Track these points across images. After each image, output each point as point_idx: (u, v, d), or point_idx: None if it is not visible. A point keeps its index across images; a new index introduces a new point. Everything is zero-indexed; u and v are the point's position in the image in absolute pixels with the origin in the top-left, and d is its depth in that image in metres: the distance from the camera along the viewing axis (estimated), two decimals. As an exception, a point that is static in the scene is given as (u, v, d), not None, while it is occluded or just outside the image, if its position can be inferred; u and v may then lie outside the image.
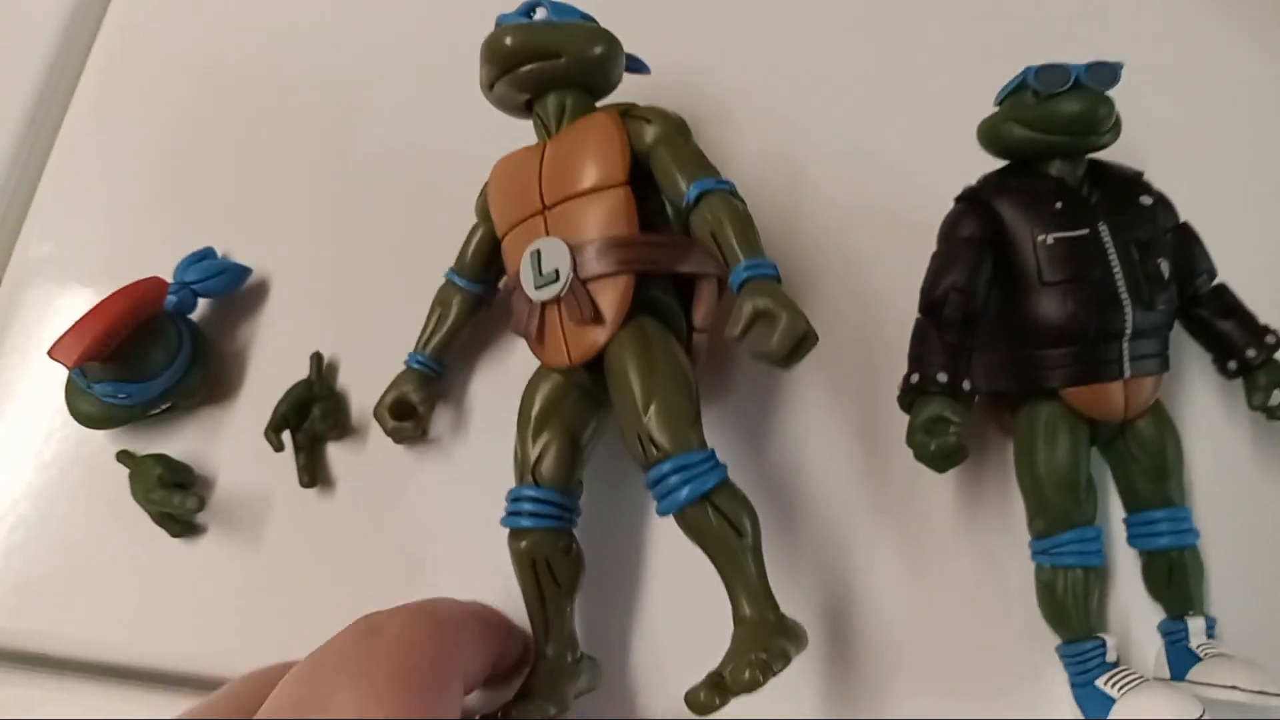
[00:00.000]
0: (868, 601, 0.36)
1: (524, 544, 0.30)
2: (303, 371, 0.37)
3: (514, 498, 0.31)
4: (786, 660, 0.25)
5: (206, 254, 0.38)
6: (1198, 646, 0.34)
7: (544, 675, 0.30)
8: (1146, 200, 0.36)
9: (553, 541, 0.31)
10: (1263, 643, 0.37)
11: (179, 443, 0.37)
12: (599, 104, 0.35)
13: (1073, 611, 0.34)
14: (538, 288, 0.31)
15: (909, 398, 0.34)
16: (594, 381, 0.32)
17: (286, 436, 0.35)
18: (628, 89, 0.38)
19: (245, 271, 0.38)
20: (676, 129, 0.32)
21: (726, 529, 0.27)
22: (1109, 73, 0.34)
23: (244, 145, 0.42)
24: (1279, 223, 0.43)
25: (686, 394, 0.29)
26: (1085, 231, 0.34)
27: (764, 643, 0.25)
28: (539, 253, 0.31)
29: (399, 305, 0.37)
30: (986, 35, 0.45)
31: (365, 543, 0.35)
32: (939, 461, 0.33)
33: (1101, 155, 0.36)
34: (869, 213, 0.41)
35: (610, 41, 0.34)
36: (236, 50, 0.45)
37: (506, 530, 0.31)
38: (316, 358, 0.37)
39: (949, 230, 0.36)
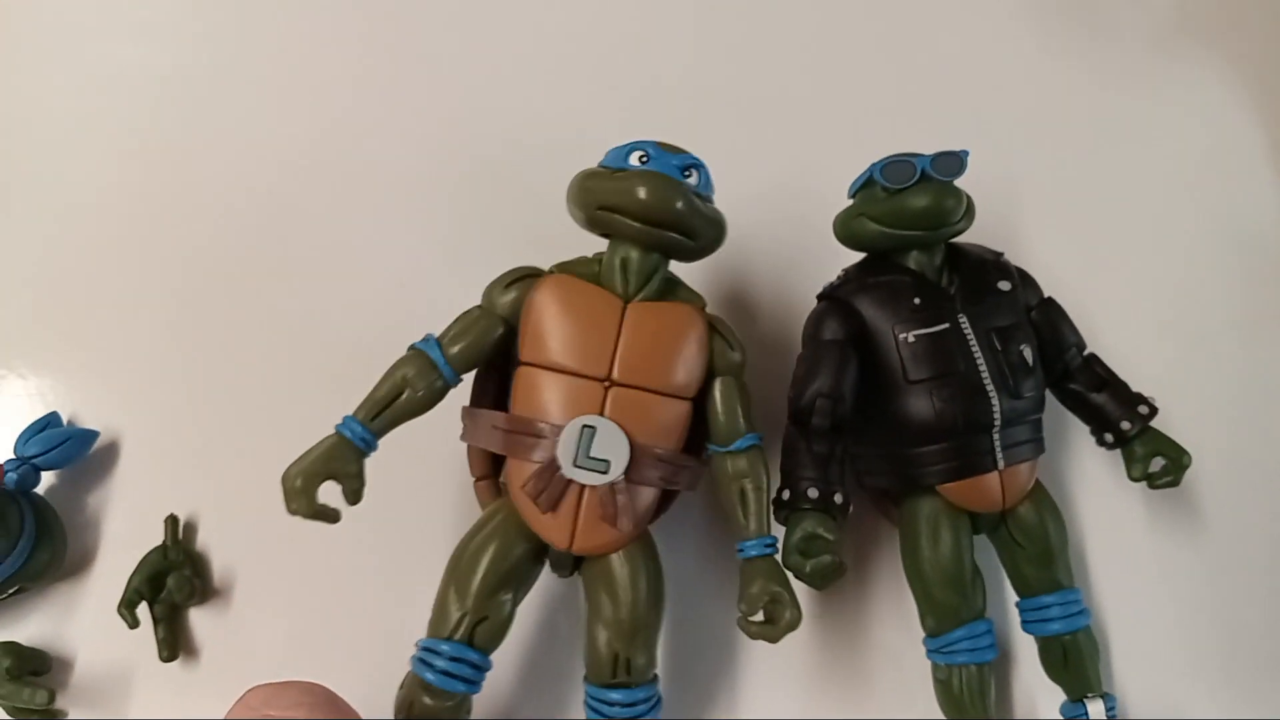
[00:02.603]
0: (766, 710, 0.36)
1: (426, 700, 0.29)
2: (159, 535, 0.35)
3: (430, 649, 0.29)
4: None
5: (50, 420, 0.36)
6: (1099, 728, 0.34)
7: None
8: (1005, 285, 0.35)
9: (458, 704, 0.30)
10: (1166, 709, 0.37)
11: (30, 626, 0.35)
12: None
13: (969, 707, 0.34)
14: (578, 465, 0.30)
15: (782, 514, 0.33)
16: (569, 561, 0.32)
17: (145, 610, 0.34)
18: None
19: (92, 436, 0.37)
20: (744, 364, 0.33)
21: None
22: (955, 163, 0.34)
23: (91, 305, 0.40)
24: (1157, 281, 0.44)
25: (661, 624, 0.32)
26: (945, 326, 0.34)
27: None
28: (593, 431, 0.30)
29: (260, 456, 0.35)
30: (829, 117, 0.45)
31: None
32: (816, 581, 0.32)
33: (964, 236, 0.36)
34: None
35: (726, 236, 0.34)
36: (85, 198, 0.43)
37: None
38: (171, 521, 0.35)
39: (812, 332, 0.35)
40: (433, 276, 0.39)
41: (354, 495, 0.30)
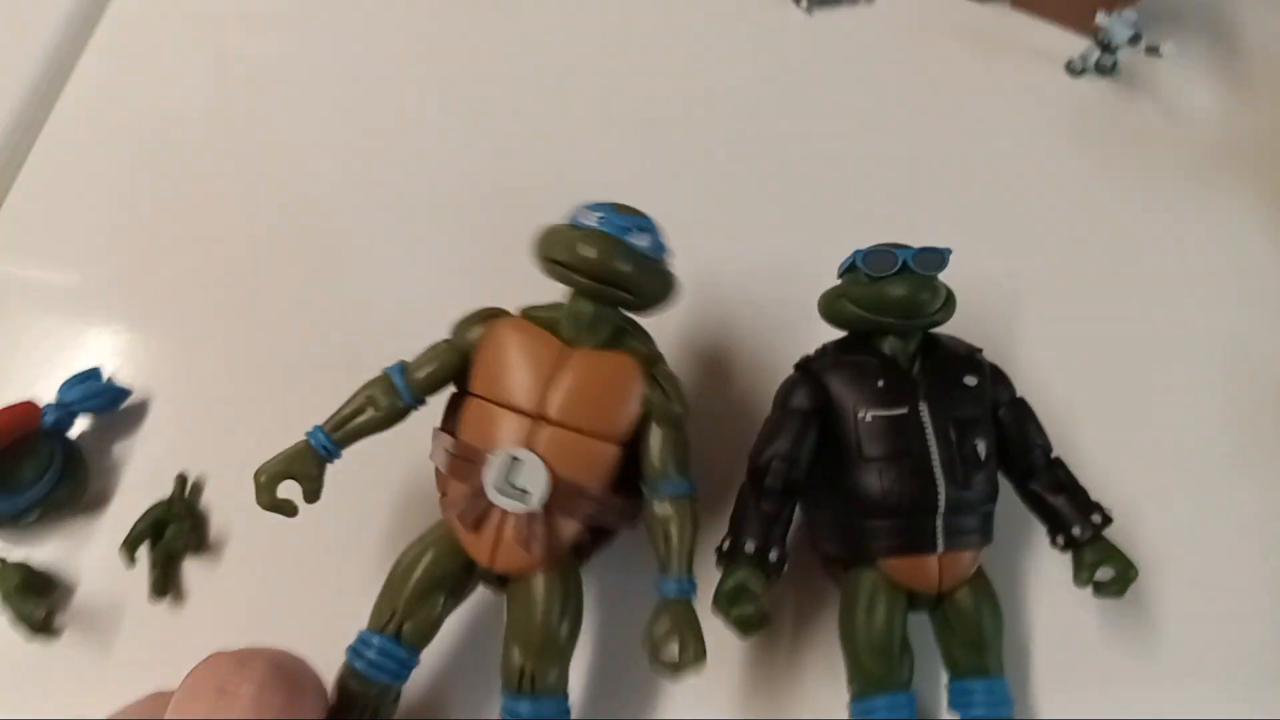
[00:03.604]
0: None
1: (354, 686, 0.32)
2: (169, 489, 0.39)
3: (364, 641, 0.33)
4: None
5: (91, 374, 0.40)
6: (1004, 823, 0.35)
7: None
8: (971, 381, 0.37)
9: (383, 692, 0.33)
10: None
11: (47, 549, 0.39)
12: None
13: (878, 776, 0.35)
14: (500, 492, 0.32)
15: (721, 562, 0.36)
16: (497, 581, 0.34)
17: (143, 552, 0.38)
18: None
19: (125, 393, 0.41)
20: (684, 415, 0.35)
21: None
22: (936, 259, 0.36)
23: (143, 278, 0.45)
24: (1147, 399, 0.45)
25: (574, 645, 0.34)
26: (904, 410, 0.36)
27: None
28: (518, 462, 0.32)
29: (269, 433, 0.38)
30: (858, 192, 0.47)
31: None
32: (739, 628, 0.34)
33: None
34: (722, 377, 0.43)
35: (677, 293, 0.36)
36: (144, 182, 0.48)
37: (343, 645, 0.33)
38: (180, 478, 0.39)
39: (782, 399, 0.37)
40: (455, 294, 0.42)
41: (311, 495, 0.34)
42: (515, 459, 0.32)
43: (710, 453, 0.40)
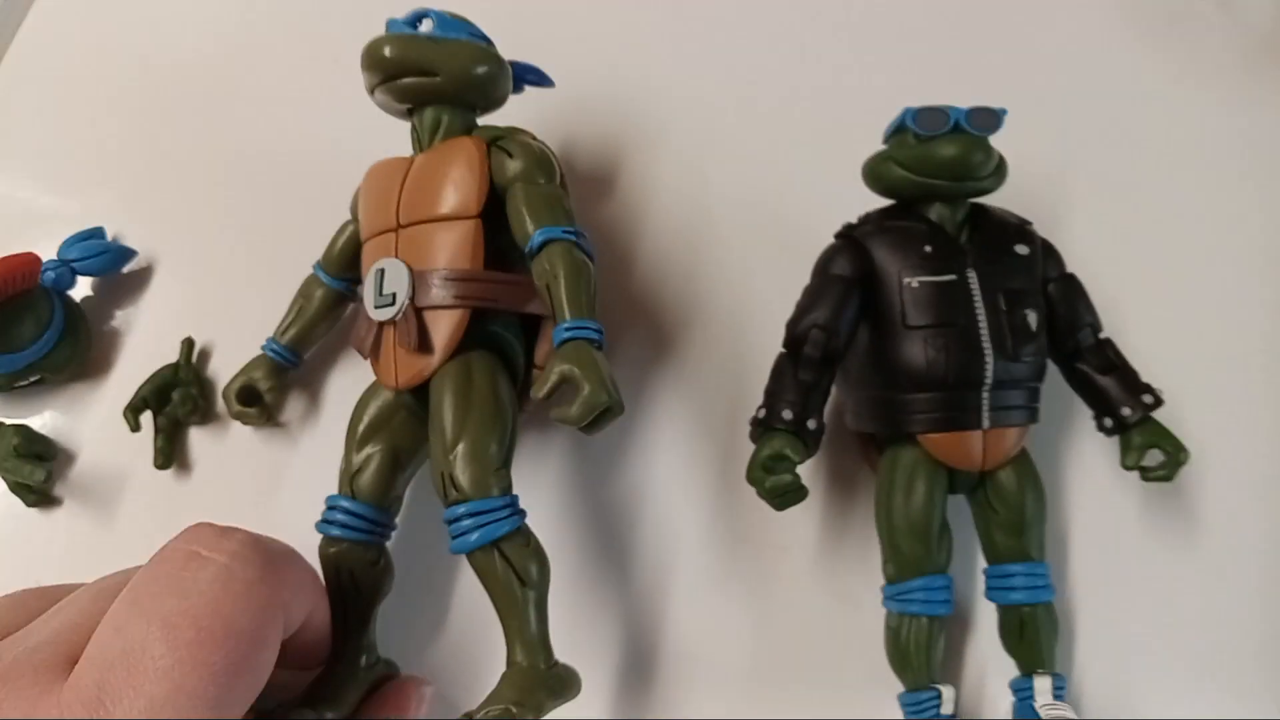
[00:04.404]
0: (718, 630, 0.36)
1: (331, 551, 0.31)
2: (175, 355, 0.37)
3: (329, 505, 0.32)
4: (540, 713, 0.26)
5: (94, 234, 0.38)
6: (1041, 706, 0.34)
7: (332, 681, 0.30)
8: (1022, 250, 0.35)
9: (361, 553, 0.31)
10: (1123, 704, 0.37)
11: (46, 414, 0.37)
12: (483, 120, 0.35)
13: (914, 659, 0.34)
14: (376, 307, 0.31)
15: (755, 432, 0.34)
16: (421, 405, 0.32)
17: (147, 418, 0.36)
18: (544, 104, 0.38)
19: (129, 254, 0.39)
20: (538, 165, 0.32)
21: (511, 577, 0.28)
22: (991, 118, 0.34)
23: (150, 133, 0.43)
24: (1196, 288, 0.43)
25: (497, 437, 0.29)
26: (952, 277, 0.34)
27: (522, 693, 0.26)
28: (382, 272, 0.31)
29: (276, 298, 0.38)
30: (898, 74, 0.45)
31: (215, 526, 0.35)
32: (775, 499, 0.32)
33: (993, 199, 0.36)
34: (767, 244, 0.41)
35: (494, 61, 0.34)
36: (148, 43, 0.46)
37: None
38: (186, 343, 0.38)
39: (821, 266, 0.36)
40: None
41: (270, 398, 0.36)
42: (380, 270, 0.31)
43: (753, 333, 0.39)
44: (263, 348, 0.37)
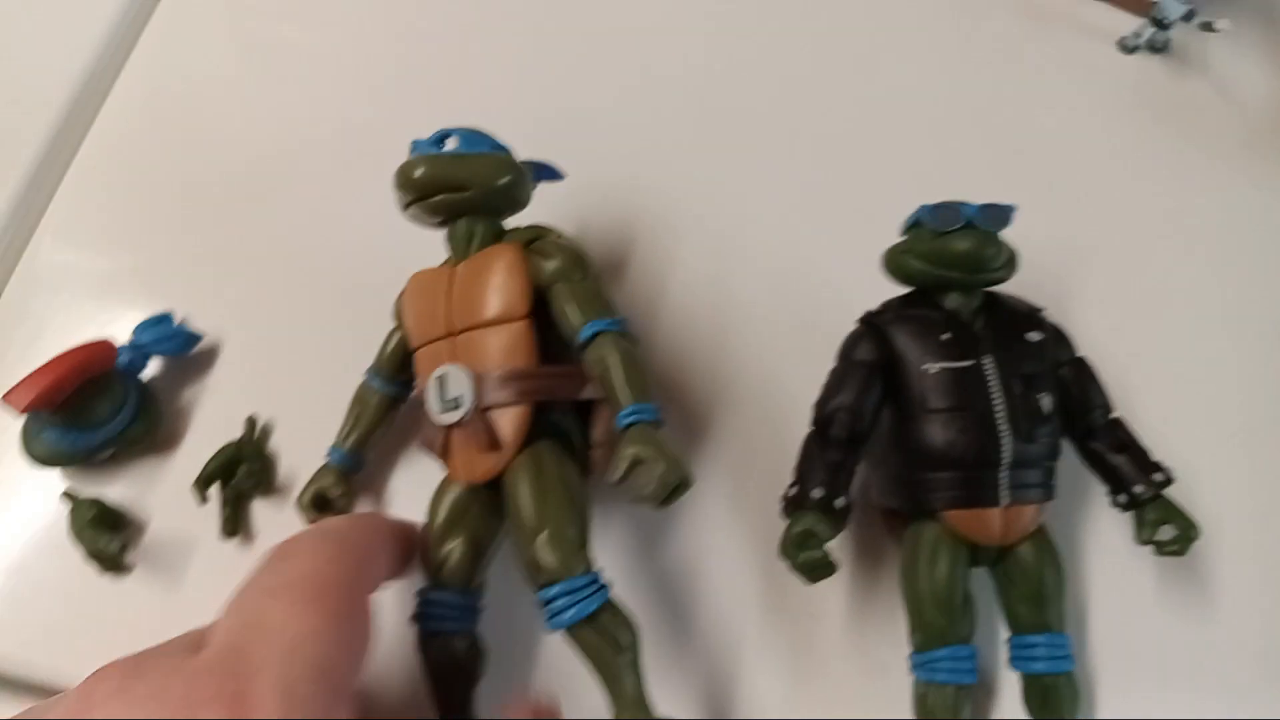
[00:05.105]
0: (752, 698, 0.38)
1: (432, 643, 0.33)
2: (239, 432, 0.40)
3: (422, 599, 0.34)
4: None
5: (164, 319, 0.41)
6: (1063, 773, 0.35)
7: None
8: (1035, 336, 0.37)
9: (457, 641, 0.33)
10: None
11: (120, 487, 0.39)
12: (510, 223, 0.38)
13: (941, 726, 0.35)
14: (442, 411, 0.33)
15: (788, 510, 0.36)
16: (494, 496, 0.34)
17: (215, 491, 0.38)
18: (558, 198, 0.41)
19: (196, 338, 0.42)
20: (574, 263, 0.35)
21: (606, 646, 0.30)
22: (1000, 215, 0.37)
23: (217, 221, 0.46)
24: (1208, 372, 0.44)
25: (574, 520, 0.32)
26: (969, 363, 0.36)
27: None
28: (444, 378, 0.34)
29: (333, 378, 0.40)
30: (915, 162, 0.47)
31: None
32: (805, 574, 0.34)
33: (1005, 287, 0.38)
34: (791, 329, 0.44)
35: (515, 170, 0.37)
36: (219, 135, 0.49)
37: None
38: (250, 421, 0.40)
39: (846, 351, 0.38)
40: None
41: (344, 505, 0.38)
42: (440, 377, 0.34)
43: (779, 414, 0.41)
44: (328, 456, 0.38)
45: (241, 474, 0.38)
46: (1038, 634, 0.36)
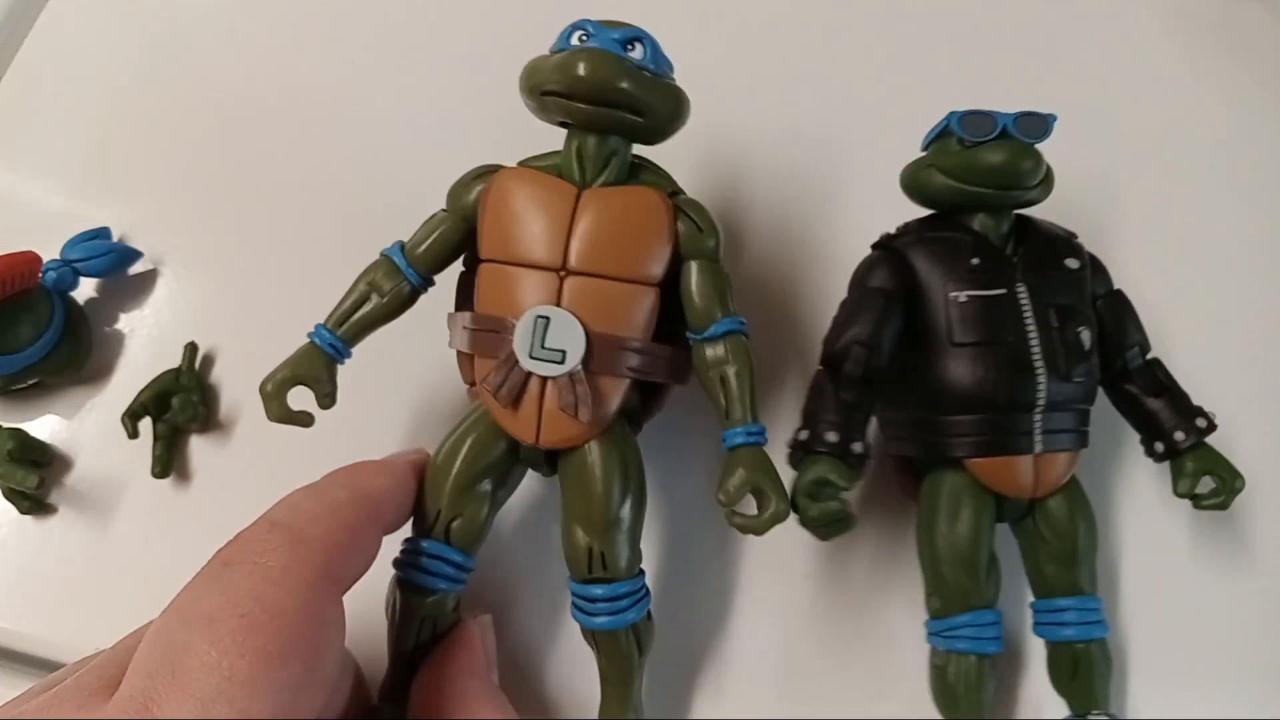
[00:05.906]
0: (744, 648, 0.35)
1: (415, 600, 0.29)
2: (177, 361, 0.36)
3: (426, 553, 0.29)
4: None
5: (99, 234, 0.37)
6: (1095, 748, 0.32)
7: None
8: (1073, 264, 0.33)
9: (449, 603, 0.30)
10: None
11: (40, 420, 0.36)
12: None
13: (963, 699, 0.32)
14: (533, 357, 0.29)
15: (797, 456, 0.32)
16: (546, 463, 0.31)
17: (146, 425, 0.35)
18: None
19: (134, 255, 0.38)
20: (720, 246, 0.31)
21: (634, 649, 0.30)
22: (1039, 124, 0.32)
23: (160, 136, 0.42)
24: (1236, 294, 0.41)
25: (642, 519, 0.30)
26: (1001, 291, 0.32)
27: None
28: (547, 321, 0.29)
29: (284, 304, 0.36)
30: (938, 78, 0.43)
31: (214, 538, 0.33)
32: (821, 528, 0.30)
33: (1035, 212, 0.35)
34: (800, 255, 0.40)
35: (688, 113, 0.32)
36: (160, 46, 0.45)
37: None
38: (190, 348, 0.36)
39: (860, 278, 0.34)
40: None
41: (325, 400, 0.31)
42: (544, 318, 0.29)
43: (776, 344, 0.37)
44: (313, 336, 0.31)
45: (177, 405, 0.34)
46: (1067, 596, 0.33)
